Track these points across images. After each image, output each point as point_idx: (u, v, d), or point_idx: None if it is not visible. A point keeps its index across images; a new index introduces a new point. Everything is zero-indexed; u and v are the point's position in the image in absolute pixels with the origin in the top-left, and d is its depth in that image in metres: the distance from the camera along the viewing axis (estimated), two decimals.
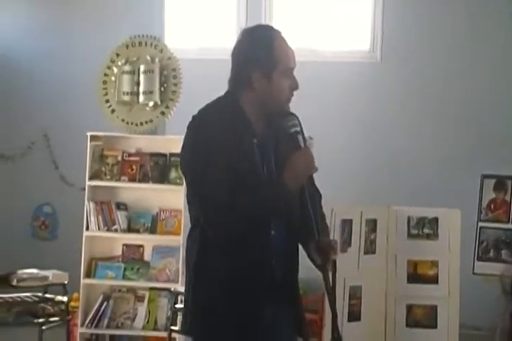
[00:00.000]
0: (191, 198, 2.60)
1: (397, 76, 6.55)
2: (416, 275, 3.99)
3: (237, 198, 2.46)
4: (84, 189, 5.49)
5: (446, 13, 6.54)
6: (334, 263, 2.59)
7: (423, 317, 3.95)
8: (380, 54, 6.65)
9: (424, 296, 3.96)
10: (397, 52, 6.56)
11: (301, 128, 2.63)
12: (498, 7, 6.49)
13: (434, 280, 3.97)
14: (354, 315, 3.79)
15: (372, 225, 3.96)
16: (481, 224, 5.17)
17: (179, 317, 4.87)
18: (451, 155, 6.40)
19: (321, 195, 2.77)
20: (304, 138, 2.60)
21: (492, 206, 5.15)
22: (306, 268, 2.66)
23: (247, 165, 2.52)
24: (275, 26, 2.68)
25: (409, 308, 3.95)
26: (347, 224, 3.83)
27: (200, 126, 2.56)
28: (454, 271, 3.98)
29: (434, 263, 3.99)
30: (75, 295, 5.57)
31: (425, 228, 4.05)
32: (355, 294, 3.81)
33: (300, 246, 2.68)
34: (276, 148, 2.61)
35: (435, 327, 3.93)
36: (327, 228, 2.78)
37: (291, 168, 2.49)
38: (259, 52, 2.57)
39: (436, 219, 4.05)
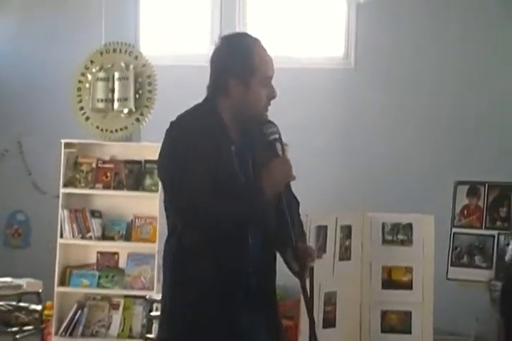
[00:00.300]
0: (168, 205, 2.59)
1: (372, 82, 6.58)
2: (390, 281, 4.01)
3: (215, 205, 2.47)
4: (58, 196, 5.45)
5: (419, 20, 6.59)
6: (311, 270, 2.59)
7: (398, 323, 3.97)
8: (354, 60, 6.68)
9: (399, 302, 3.98)
10: (371, 58, 6.60)
11: (280, 135, 2.65)
12: (470, 13, 6.55)
13: (408, 286, 4.00)
14: (329, 322, 3.80)
15: (347, 231, 3.98)
16: (454, 229, 5.21)
17: (154, 325, 4.85)
18: (425, 161, 6.44)
19: (298, 203, 2.77)
20: (282, 146, 2.61)
21: (465, 212, 5.20)
22: (283, 274, 2.67)
23: (225, 172, 2.52)
24: (253, 34, 2.69)
25: (384, 314, 3.97)
26: (322, 231, 3.84)
27: (178, 132, 2.55)
28: (428, 276, 4.00)
29: (408, 269, 4.01)
30: (49, 303, 5.52)
31: (399, 234, 4.07)
32: (330, 300, 3.82)
33: (278, 254, 2.69)
34: (254, 155, 2.61)
35: (409, 332, 3.95)
36: (305, 235, 2.78)
37: (269, 176, 2.49)
38: (237, 59, 2.56)
39: (410, 225, 4.08)
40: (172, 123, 2.58)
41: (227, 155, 2.54)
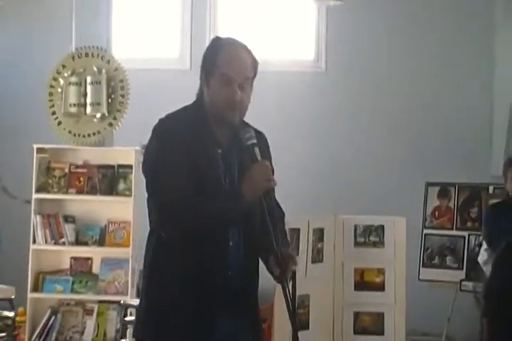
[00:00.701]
0: (149, 201, 2.60)
1: (343, 85, 6.62)
2: (363, 282, 4.03)
3: (192, 204, 2.48)
4: (29, 201, 5.41)
5: (390, 22, 6.64)
6: (294, 274, 2.59)
7: (370, 324, 3.99)
8: (324, 63, 6.71)
9: (371, 303, 4.01)
10: (342, 61, 6.63)
11: (266, 142, 2.65)
12: (440, 15, 6.61)
13: (380, 287, 4.02)
14: (302, 324, 3.81)
15: (319, 234, 3.99)
16: (425, 231, 5.26)
17: (129, 330, 4.83)
18: (396, 164, 6.48)
19: (283, 214, 2.78)
20: (266, 151, 2.61)
21: (436, 213, 5.25)
22: (261, 278, 2.69)
23: (208, 174, 2.52)
24: (240, 39, 2.64)
25: (357, 315, 4.00)
26: (294, 233, 3.85)
27: (164, 130, 2.57)
28: (399, 277, 4.03)
29: (381, 271, 4.04)
30: (21, 309, 5.48)
31: (371, 236, 4.10)
32: (303, 303, 3.83)
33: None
34: (240, 159, 2.61)
35: (382, 333, 3.97)
36: (288, 243, 2.79)
37: (248, 180, 2.49)
38: (205, 57, 2.60)
39: (382, 227, 4.11)
40: (160, 121, 2.60)
41: (212, 158, 2.55)
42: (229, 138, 2.61)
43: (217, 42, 2.63)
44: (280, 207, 2.76)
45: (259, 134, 2.65)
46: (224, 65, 2.54)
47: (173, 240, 2.53)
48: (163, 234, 2.53)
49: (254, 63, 2.61)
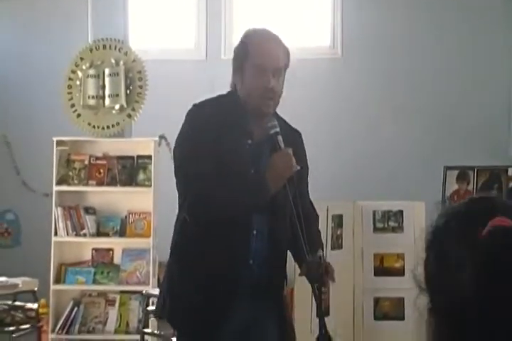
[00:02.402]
0: (178, 181, 2.64)
1: (359, 71, 6.59)
2: (382, 268, 4.03)
3: (216, 188, 2.50)
4: (47, 195, 5.46)
5: (407, 8, 6.59)
6: (320, 290, 2.55)
7: (390, 310, 3.98)
8: (340, 50, 6.68)
9: (391, 289, 4.00)
10: (358, 47, 6.59)
11: (302, 142, 2.68)
12: (460, 2, 6.56)
13: (400, 272, 4.01)
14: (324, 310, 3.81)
15: (338, 220, 3.99)
16: None
17: (151, 320, 4.86)
18: (414, 147, 6.45)
19: (317, 215, 2.79)
20: (299, 151, 2.63)
21: (455, 197, 5.20)
22: None
23: (234, 163, 2.55)
24: (272, 29, 2.68)
25: (377, 301, 3.99)
26: None
27: (197, 117, 2.62)
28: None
29: (400, 256, 4.03)
30: (43, 301, 5.53)
31: (390, 221, 4.09)
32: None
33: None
34: (270, 152, 2.62)
35: (403, 319, 3.96)
36: (321, 245, 2.79)
37: (271, 169, 2.51)
38: (238, 47, 2.65)
39: (401, 212, 4.10)
40: (194, 106, 2.64)
41: (238, 148, 2.57)
42: (262, 131, 2.62)
43: (248, 33, 2.65)
44: (314, 209, 2.77)
45: (295, 133, 2.67)
46: (256, 55, 2.58)
47: (197, 222, 2.55)
48: (188, 217, 2.56)
49: (286, 53, 2.65)
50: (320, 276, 2.49)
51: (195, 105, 2.64)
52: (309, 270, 2.48)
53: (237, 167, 2.55)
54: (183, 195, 2.61)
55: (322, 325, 2.51)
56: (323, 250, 2.71)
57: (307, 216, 2.57)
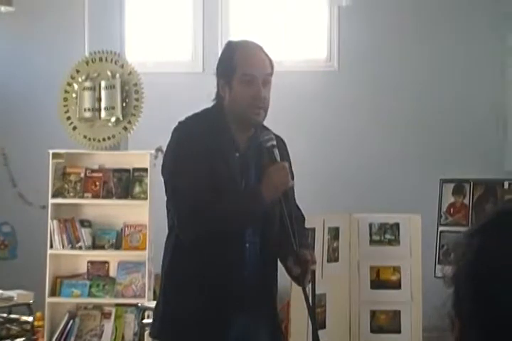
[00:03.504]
0: (168, 202, 2.63)
1: (355, 84, 6.61)
2: (379, 281, 4.02)
3: (213, 208, 2.50)
4: (44, 207, 5.45)
5: (402, 21, 6.63)
6: (313, 273, 2.60)
7: (387, 323, 3.98)
8: (337, 62, 6.71)
9: (388, 301, 4.00)
10: (355, 60, 6.62)
11: (285, 146, 2.67)
12: (451, 16, 6.60)
13: (396, 285, 4.01)
14: (319, 323, 3.80)
15: (334, 233, 3.99)
16: (441, 228, 5.22)
17: (147, 333, 4.84)
18: (410, 160, 6.47)
19: (304, 217, 2.79)
20: (285, 154, 2.63)
21: (452, 210, 5.20)
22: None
23: (225, 178, 2.55)
24: (255, 40, 2.70)
25: (373, 314, 3.99)
26: (310, 233, 3.85)
27: (183, 132, 2.60)
28: (415, 275, 4.02)
29: (397, 269, 4.03)
30: (39, 314, 5.51)
31: (387, 234, 4.09)
32: (320, 302, 3.83)
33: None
34: (258, 163, 2.63)
35: (399, 331, 3.96)
36: (308, 245, 2.80)
37: (266, 182, 2.51)
38: (222, 60, 2.64)
39: (397, 225, 4.10)
40: (179, 123, 2.63)
41: (228, 161, 2.57)
42: (247, 142, 2.62)
43: (230, 45, 2.66)
44: (300, 210, 2.77)
45: (278, 138, 2.67)
46: (243, 64, 2.58)
47: (191, 242, 2.55)
48: (182, 236, 2.55)
49: (271, 61, 2.66)
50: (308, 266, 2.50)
51: (180, 122, 2.63)
52: (298, 262, 2.48)
53: (228, 180, 2.55)
54: (177, 215, 2.58)
55: (316, 339, 2.52)
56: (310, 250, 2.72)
57: (296, 217, 2.58)
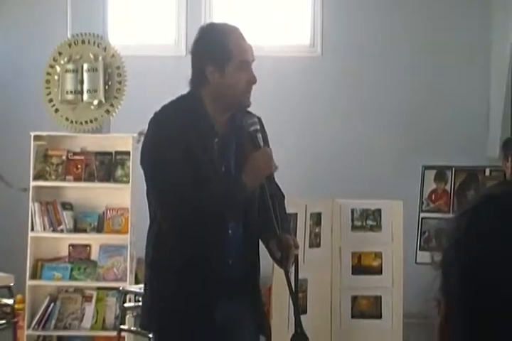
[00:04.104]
0: (149, 192, 2.62)
1: (338, 69, 6.61)
2: (360, 266, 4.04)
3: (192, 195, 2.49)
4: (25, 189, 5.41)
5: (386, 6, 6.63)
6: (296, 258, 2.61)
7: (368, 308, 4.00)
8: (320, 48, 6.70)
9: (369, 287, 4.02)
10: (338, 45, 6.62)
11: (262, 127, 2.66)
12: (436, 4, 6.60)
13: (378, 271, 4.03)
14: (301, 308, 3.83)
15: (316, 218, 4.00)
16: (422, 214, 5.25)
17: (128, 316, 4.85)
18: (392, 146, 6.49)
19: (283, 196, 2.79)
20: (264, 136, 2.62)
21: (433, 196, 5.23)
22: None
23: (205, 164, 2.55)
24: (231, 23, 2.71)
25: (354, 299, 4.01)
26: (292, 218, 3.86)
27: (160, 122, 2.59)
28: (397, 261, 4.04)
29: (378, 255, 4.05)
30: (19, 296, 5.50)
31: (368, 220, 4.11)
32: (301, 287, 3.84)
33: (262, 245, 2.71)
34: (237, 146, 2.63)
35: (380, 317, 3.99)
36: (289, 226, 2.82)
37: (250, 168, 2.51)
38: (212, 46, 2.61)
39: (379, 211, 4.12)
40: (155, 114, 2.62)
41: (208, 147, 2.57)
42: (225, 127, 2.62)
43: (217, 29, 2.65)
44: (280, 189, 2.77)
45: (258, 119, 2.67)
46: (240, 51, 2.60)
47: (174, 231, 2.55)
48: (164, 225, 2.55)
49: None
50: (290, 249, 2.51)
51: (156, 113, 2.63)
52: (281, 243, 2.49)
53: (209, 167, 2.55)
54: (159, 203, 2.57)
55: (298, 323, 2.52)
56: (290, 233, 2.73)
57: (278, 199, 2.61)
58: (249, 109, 2.70)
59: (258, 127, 2.58)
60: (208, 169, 2.55)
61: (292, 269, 2.68)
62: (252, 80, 2.61)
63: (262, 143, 2.56)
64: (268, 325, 2.83)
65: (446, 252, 0.98)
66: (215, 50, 2.60)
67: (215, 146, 2.59)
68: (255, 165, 2.51)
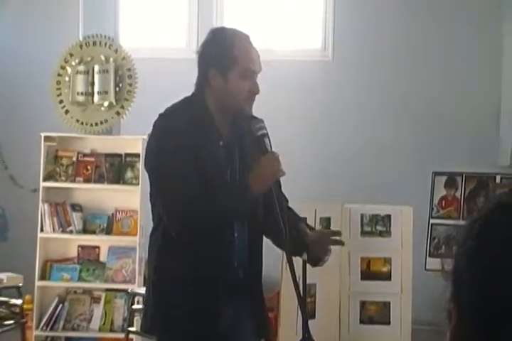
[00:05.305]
0: (154, 197, 2.61)
1: (349, 74, 6.61)
2: (369, 272, 4.02)
3: (199, 199, 2.48)
4: (35, 190, 5.43)
5: (398, 11, 6.62)
6: (304, 262, 2.59)
7: (376, 314, 3.98)
8: (331, 52, 6.70)
9: (378, 293, 4.00)
10: (349, 50, 6.62)
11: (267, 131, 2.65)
12: (448, 6, 6.58)
13: (387, 276, 4.01)
14: (309, 314, 3.82)
15: (326, 223, 3.99)
16: (432, 220, 5.24)
17: (136, 318, 4.86)
18: (403, 152, 6.48)
19: (287, 201, 2.79)
20: (269, 141, 2.62)
21: (443, 203, 5.22)
22: (267, 266, 2.70)
23: (211, 167, 2.53)
24: (243, 30, 2.69)
25: (363, 305, 3.99)
26: None
27: (165, 125, 2.57)
28: (406, 267, 4.02)
29: (387, 260, 4.03)
30: (28, 297, 5.52)
31: (378, 225, 4.08)
32: (309, 292, 3.83)
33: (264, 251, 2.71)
34: (241, 150, 2.62)
35: (388, 323, 3.96)
36: (304, 221, 2.81)
37: (257, 172, 2.50)
38: (217, 50, 2.59)
39: (389, 217, 4.09)
40: (160, 116, 2.60)
41: (214, 150, 2.55)
42: (229, 130, 2.62)
43: (226, 34, 2.63)
44: (284, 195, 2.77)
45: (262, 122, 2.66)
46: (245, 59, 2.57)
47: (179, 234, 2.54)
48: (171, 230, 2.54)
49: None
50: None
51: (161, 115, 2.60)
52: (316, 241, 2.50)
53: (214, 171, 2.54)
54: (165, 210, 2.53)
55: (306, 329, 2.51)
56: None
57: (281, 205, 2.59)
58: (258, 112, 2.69)
59: (265, 131, 2.58)
60: (214, 173, 2.54)
61: (300, 274, 2.66)
62: (255, 90, 2.58)
63: (269, 148, 2.55)
64: (271, 329, 2.81)
65: (457, 260, 0.97)
66: (220, 54, 2.58)
67: (221, 149, 2.58)
68: (262, 170, 2.50)
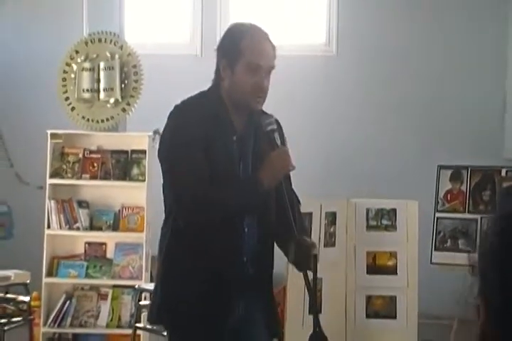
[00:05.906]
0: (166, 188, 2.62)
1: (353, 68, 6.60)
2: (375, 266, 4.03)
3: (209, 192, 2.49)
4: (41, 187, 5.44)
5: (402, 6, 6.61)
6: (315, 258, 2.58)
7: (382, 308, 3.99)
8: (335, 47, 6.69)
9: (384, 287, 4.01)
10: (353, 45, 6.61)
11: (280, 127, 2.65)
12: (451, 4, 6.57)
13: (392, 270, 4.02)
14: None
15: (331, 218, 3.99)
16: (438, 214, 5.23)
17: (143, 314, 4.87)
18: (408, 146, 6.48)
19: (299, 201, 2.79)
20: (281, 136, 2.62)
21: (449, 196, 5.21)
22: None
23: (222, 159, 2.54)
24: (262, 27, 2.67)
25: (369, 299, 4.00)
26: (307, 218, 3.85)
27: (180, 117, 2.58)
28: (412, 261, 4.03)
29: (393, 254, 4.03)
30: (35, 294, 5.54)
31: (383, 219, 4.09)
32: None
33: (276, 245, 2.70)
34: (254, 145, 2.62)
35: (394, 317, 3.97)
36: (306, 229, 2.81)
37: (268, 167, 2.51)
38: (227, 41, 2.61)
39: (394, 211, 4.10)
40: (176, 107, 2.61)
41: (226, 144, 2.56)
42: (244, 125, 2.62)
43: (239, 27, 2.64)
44: (295, 193, 2.77)
45: (276, 120, 2.66)
46: (250, 52, 2.56)
47: (189, 227, 2.54)
48: (181, 222, 2.55)
49: (275, 52, 2.64)
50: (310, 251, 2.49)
51: (176, 106, 2.61)
52: (299, 248, 2.48)
53: (227, 164, 2.55)
54: (176, 200, 2.54)
55: (316, 323, 2.51)
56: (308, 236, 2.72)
57: (292, 201, 2.59)
58: (266, 109, 2.70)
59: (275, 127, 2.58)
60: (225, 166, 2.55)
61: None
62: (258, 85, 2.56)
63: (279, 143, 2.56)
64: (280, 323, 2.81)
65: (481, 257, 0.98)
66: (229, 47, 2.60)
67: (234, 144, 2.59)
68: (273, 164, 2.51)
